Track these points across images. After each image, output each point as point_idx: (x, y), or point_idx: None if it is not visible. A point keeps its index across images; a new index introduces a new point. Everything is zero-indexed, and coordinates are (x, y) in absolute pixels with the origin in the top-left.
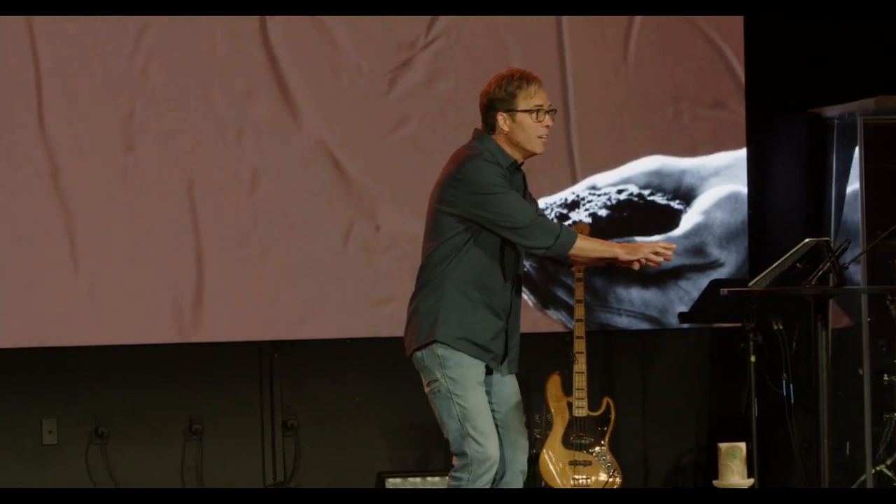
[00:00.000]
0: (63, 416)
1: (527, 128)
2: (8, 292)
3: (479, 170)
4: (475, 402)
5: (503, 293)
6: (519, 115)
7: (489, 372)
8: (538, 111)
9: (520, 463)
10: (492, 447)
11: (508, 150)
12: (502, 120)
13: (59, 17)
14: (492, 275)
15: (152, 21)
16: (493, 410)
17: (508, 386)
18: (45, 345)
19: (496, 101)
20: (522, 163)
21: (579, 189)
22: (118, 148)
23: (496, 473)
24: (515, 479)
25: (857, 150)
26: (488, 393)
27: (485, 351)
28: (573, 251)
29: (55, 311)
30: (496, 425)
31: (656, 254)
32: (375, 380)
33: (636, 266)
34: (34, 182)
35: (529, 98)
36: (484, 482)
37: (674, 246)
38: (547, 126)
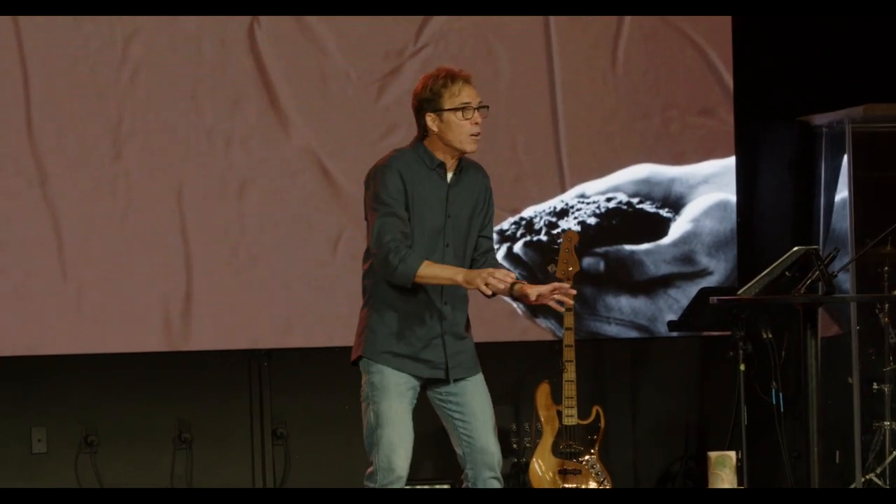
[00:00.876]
0: (52, 425)
1: (454, 127)
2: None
3: (373, 180)
4: (389, 410)
5: (431, 300)
6: (446, 115)
7: (440, 383)
8: (464, 108)
9: (489, 469)
10: (398, 460)
11: (440, 151)
12: (431, 121)
13: (47, 24)
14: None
15: (140, 29)
16: (455, 420)
17: (472, 393)
18: (33, 353)
19: (423, 102)
20: (459, 163)
21: (568, 197)
22: (107, 156)
23: (468, 480)
24: (486, 486)
25: (845, 158)
26: (450, 402)
27: (415, 361)
28: (418, 280)
29: (44, 320)
30: (462, 434)
31: (487, 284)
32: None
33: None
34: (22, 190)
35: (454, 96)
36: None
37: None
38: (476, 123)
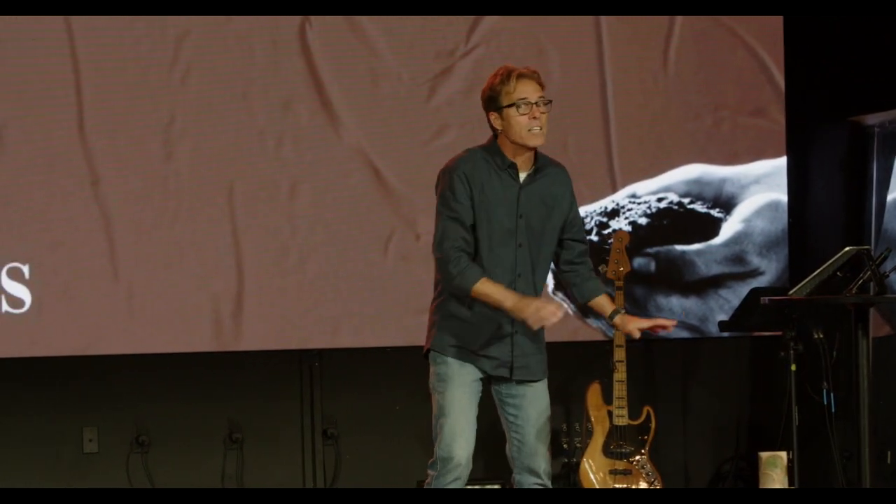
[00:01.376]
0: (104, 425)
1: (513, 123)
2: (49, 301)
3: (441, 181)
4: (453, 399)
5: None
6: (505, 112)
7: (504, 381)
8: (520, 104)
9: (535, 475)
10: (457, 449)
11: (510, 150)
12: (494, 119)
13: (99, 26)
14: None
15: (192, 29)
16: (510, 421)
17: (531, 398)
18: (85, 353)
19: (487, 102)
20: (535, 164)
21: (619, 197)
22: (158, 156)
23: (515, 483)
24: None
25: None
26: (509, 403)
27: (479, 357)
28: (473, 295)
29: (95, 320)
30: (514, 437)
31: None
32: (414, 388)
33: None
34: (74, 190)
35: (511, 93)
36: (446, 482)
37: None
38: (534, 118)
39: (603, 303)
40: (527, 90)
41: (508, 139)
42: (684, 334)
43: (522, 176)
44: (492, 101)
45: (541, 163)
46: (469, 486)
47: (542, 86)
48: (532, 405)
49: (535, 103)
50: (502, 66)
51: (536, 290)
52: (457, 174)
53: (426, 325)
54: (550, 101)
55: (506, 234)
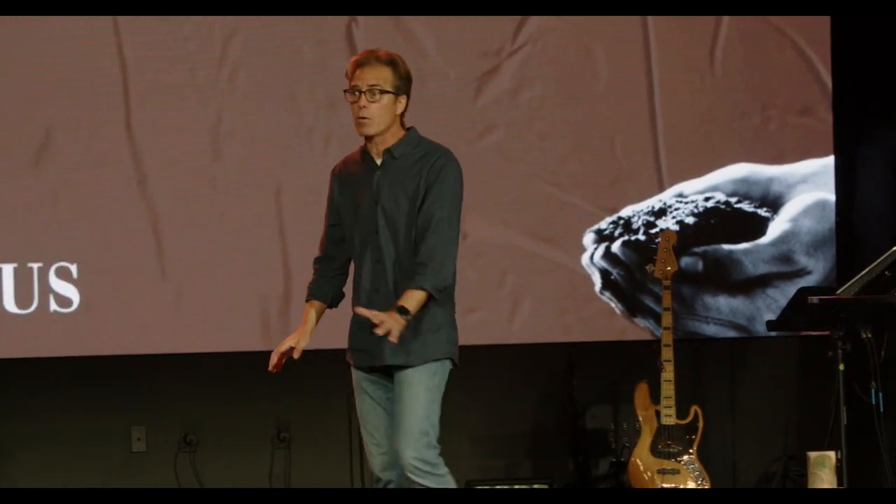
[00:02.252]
0: (152, 424)
1: (351, 111)
2: (97, 300)
3: None
4: (358, 412)
5: (362, 284)
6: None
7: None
8: (349, 92)
9: (401, 460)
10: (371, 458)
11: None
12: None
13: (146, 26)
14: (355, 275)
15: (239, 29)
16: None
17: (403, 379)
18: (133, 352)
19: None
20: (391, 148)
21: (666, 197)
22: (205, 156)
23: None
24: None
25: None
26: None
27: (356, 352)
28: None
29: (143, 319)
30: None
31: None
32: (463, 388)
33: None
34: (122, 190)
35: (347, 79)
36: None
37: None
38: (360, 106)
39: None
40: (359, 77)
41: None
42: (732, 334)
43: (379, 161)
44: None
45: (401, 147)
46: (517, 486)
47: (392, 67)
48: (398, 399)
49: (364, 92)
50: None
51: (394, 278)
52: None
53: (473, 323)
54: (386, 91)
55: (367, 218)
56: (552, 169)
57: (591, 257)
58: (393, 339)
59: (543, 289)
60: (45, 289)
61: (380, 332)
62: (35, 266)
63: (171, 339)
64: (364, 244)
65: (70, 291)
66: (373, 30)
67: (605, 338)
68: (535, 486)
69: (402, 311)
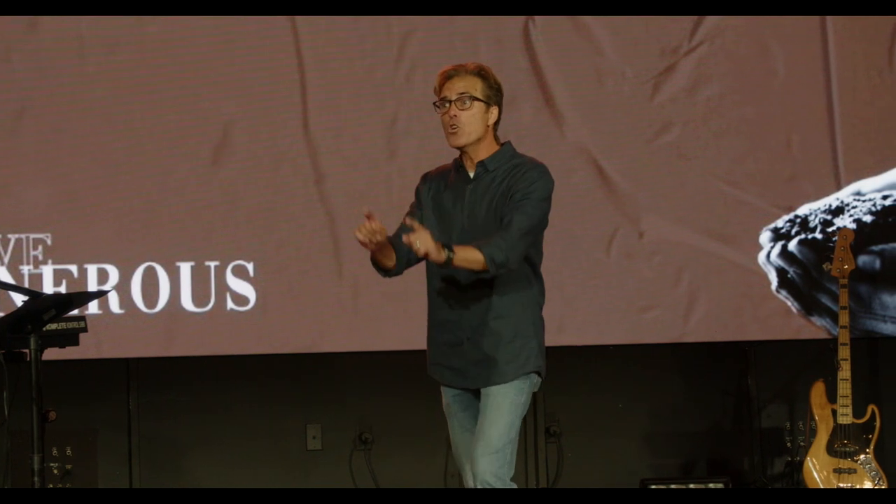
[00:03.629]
0: (327, 422)
1: (442, 124)
2: (273, 299)
3: None
4: (450, 432)
5: (448, 306)
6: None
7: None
8: (438, 104)
9: (476, 466)
10: (463, 480)
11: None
12: None
13: (323, 25)
14: (430, 292)
15: (417, 28)
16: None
17: (490, 398)
18: (309, 351)
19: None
20: (484, 161)
21: (844, 195)
22: (381, 154)
23: None
24: None
25: None
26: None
27: (446, 370)
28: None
29: (320, 318)
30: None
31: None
32: (637, 387)
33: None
34: (299, 189)
35: (436, 93)
36: None
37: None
38: (450, 115)
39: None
40: (448, 88)
41: None
42: None
43: (472, 174)
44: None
45: (495, 157)
46: (692, 486)
47: (481, 77)
48: (482, 415)
49: (453, 101)
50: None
51: (493, 283)
52: (421, 180)
53: (648, 322)
54: (476, 98)
55: (459, 230)
56: (728, 167)
57: (768, 256)
58: (416, 249)
59: (719, 287)
60: (223, 287)
61: (412, 237)
62: (212, 265)
63: (347, 338)
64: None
65: (247, 290)
66: (550, 29)
67: (781, 336)
68: (711, 486)
69: (449, 248)
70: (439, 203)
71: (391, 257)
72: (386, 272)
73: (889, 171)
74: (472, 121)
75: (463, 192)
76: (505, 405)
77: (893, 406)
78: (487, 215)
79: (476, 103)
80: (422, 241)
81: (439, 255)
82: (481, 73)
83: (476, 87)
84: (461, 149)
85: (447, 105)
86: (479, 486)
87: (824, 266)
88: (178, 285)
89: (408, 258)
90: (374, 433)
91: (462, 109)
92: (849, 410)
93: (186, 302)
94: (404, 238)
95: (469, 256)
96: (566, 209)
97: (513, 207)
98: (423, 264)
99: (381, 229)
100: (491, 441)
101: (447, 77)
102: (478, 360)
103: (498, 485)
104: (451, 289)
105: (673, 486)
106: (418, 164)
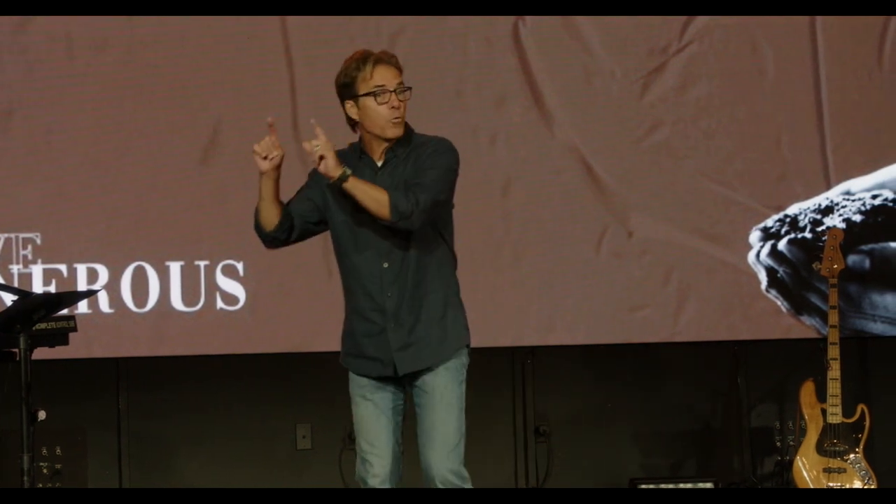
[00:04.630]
0: (317, 422)
1: (371, 113)
2: (263, 298)
3: None
4: (356, 418)
5: (368, 293)
6: (361, 101)
7: (403, 381)
8: (378, 92)
9: (435, 467)
10: (367, 468)
11: (367, 140)
12: (349, 108)
13: (313, 25)
14: (347, 276)
15: (406, 27)
16: (419, 416)
17: (428, 386)
18: (300, 350)
19: (342, 89)
20: (393, 146)
21: (833, 195)
22: None
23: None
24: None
25: None
26: (416, 398)
27: (364, 360)
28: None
29: (309, 317)
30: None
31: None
32: (627, 386)
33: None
34: (289, 188)
35: (367, 80)
36: None
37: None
38: (394, 107)
39: None
40: (385, 76)
41: (365, 129)
42: None
43: (380, 163)
44: (346, 89)
45: (402, 144)
46: (681, 485)
47: (400, 70)
48: (427, 409)
49: (394, 90)
50: (357, 50)
51: (415, 265)
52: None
53: (638, 321)
54: (410, 88)
55: (369, 220)
56: (718, 167)
57: (758, 255)
58: (313, 152)
59: (709, 287)
60: (212, 286)
61: (312, 143)
62: (202, 264)
63: (337, 338)
64: (364, 244)
65: (236, 289)
66: (539, 29)
67: (770, 336)
68: (700, 486)
69: (347, 169)
70: (343, 195)
71: (275, 214)
72: (268, 233)
73: (879, 171)
74: (405, 111)
75: (372, 180)
76: (453, 400)
77: (883, 405)
78: None
79: (409, 92)
80: (323, 147)
81: (336, 168)
82: (398, 63)
83: (400, 76)
84: (385, 141)
85: (389, 94)
86: (440, 487)
87: (814, 265)
88: (168, 285)
89: (301, 229)
90: None
91: (403, 101)
92: (838, 410)
93: (176, 301)
94: (304, 145)
95: (369, 189)
96: (555, 209)
97: (418, 175)
98: (331, 258)
99: (277, 145)
100: (448, 439)
101: (376, 62)
102: (404, 344)
103: (460, 483)
104: (367, 275)
105: (663, 486)
106: None
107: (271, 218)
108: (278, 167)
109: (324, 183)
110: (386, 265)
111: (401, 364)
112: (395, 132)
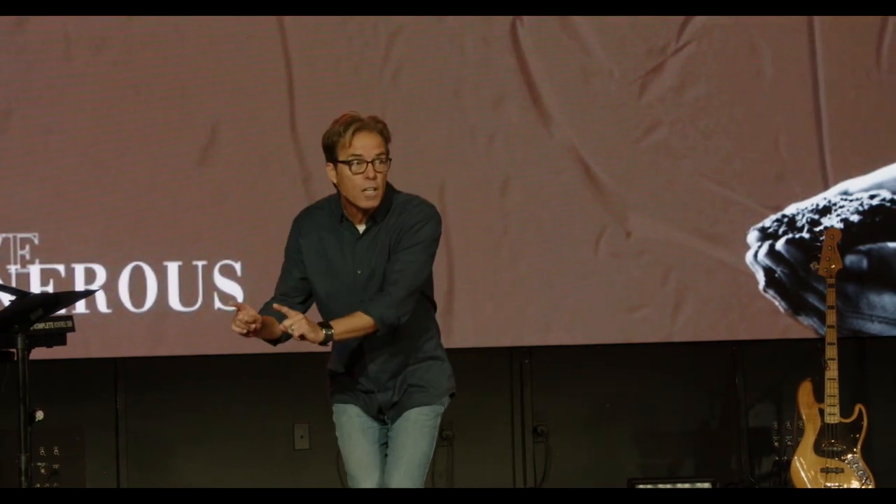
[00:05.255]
0: (315, 421)
1: (346, 181)
2: (261, 298)
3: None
4: (343, 436)
5: (350, 359)
6: (339, 167)
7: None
8: (354, 162)
9: (396, 485)
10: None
11: (346, 204)
12: (329, 170)
13: (311, 25)
14: (333, 346)
15: (403, 27)
16: (391, 436)
17: (410, 419)
18: (298, 350)
19: (325, 151)
20: (375, 212)
21: (831, 195)
22: None
23: None
24: None
25: None
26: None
27: (359, 394)
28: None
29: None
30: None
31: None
32: (625, 386)
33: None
34: (287, 188)
35: (346, 147)
36: None
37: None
38: (368, 178)
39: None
40: (364, 145)
41: (342, 194)
42: None
43: (362, 228)
44: (328, 151)
45: (383, 210)
46: (679, 485)
47: (386, 138)
48: (396, 440)
49: (371, 162)
50: (344, 114)
51: (398, 332)
52: (294, 226)
53: (637, 321)
54: (390, 159)
55: (348, 291)
56: (716, 167)
57: (755, 255)
58: (292, 333)
59: (707, 287)
60: (210, 286)
61: (285, 323)
62: (200, 264)
63: None
64: (347, 307)
65: (234, 289)
66: (537, 28)
67: (768, 336)
68: (698, 485)
69: (327, 326)
70: (323, 255)
71: (275, 329)
72: (276, 342)
73: (876, 171)
74: (384, 181)
75: (352, 248)
76: (427, 427)
77: (881, 405)
78: (379, 270)
79: (388, 164)
80: (297, 326)
81: (317, 335)
82: (384, 131)
83: (384, 144)
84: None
85: (364, 165)
86: None
87: (812, 265)
88: (166, 285)
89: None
90: None
91: (379, 172)
92: (836, 410)
93: (174, 301)
94: (280, 326)
95: (352, 326)
96: (554, 209)
97: (399, 258)
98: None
99: (254, 318)
100: (414, 460)
101: (357, 130)
102: (391, 403)
103: None
104: (350, 345)
105: (660, 486)
106: (405, 162)
107: (276, 335)
108: (264, 324)
109: (300, 258)
110: (368, 340)
111: (390, 417)
112: (368, 204)
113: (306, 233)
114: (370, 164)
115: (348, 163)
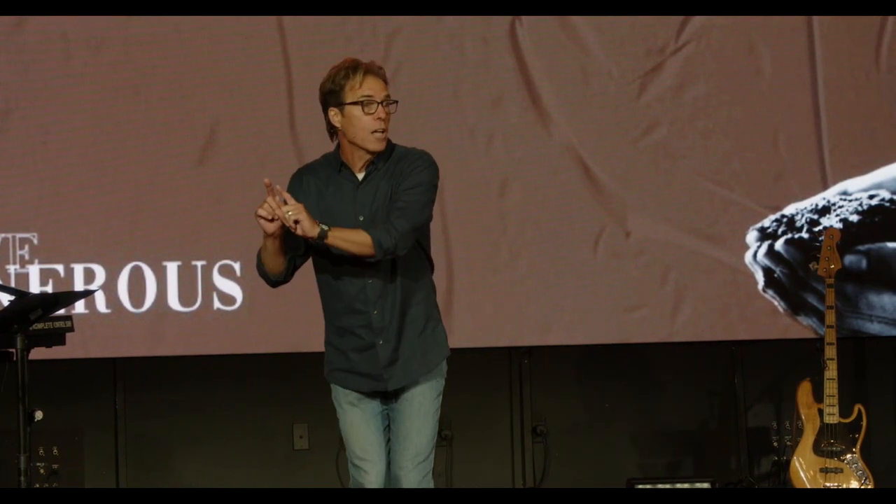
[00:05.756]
0: (314, 422)
1: (355, 122)
2: (260, 298)
3: None
4: (345, 426)
5: (353, 310)
6: (347, 109)
7: (388, 395)
8: (366, 102)
9: (405, 478)
10: (363, 475)
11: (348, 150)
12: (333, 115)
13: (310, 25)
14: (329, 293)
15: (403, 27)
16: (394, 421)
17: (407, 394)
18: (297, 350)
19: (327, 96)
20: (375, 159)
21: (830, 195)
22: None
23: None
24: None
25: None
26: (394, 403)
27: (356, 375)
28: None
29: (306, 317)
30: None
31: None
32: (624, 386)
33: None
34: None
35: (355, 89)
36: None
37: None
38: (380, 118)
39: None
40: (374, 87)
41: (347, 138)
42: None
43: (361, 175)
44: (332, 96)
45: (383, 157)
46: (678, 485)
47: (387, 83)
48: (403, 422)
49: (381, 102)
50: (347, 58)
51: (398, 279)
52: (292, 179)
53: (635, 321)
54: (396, 102)
55: None
56: (715, 167)
57: (755, 255)
58: (287, 219)
59: (706, 287)
60: (209, 287)
61: (284, 208)
62: (199, 264)
63: None
64: (346, 262)
65: (233, 289)
66: (536, 28)
67: (767, 336)
68: (698, 485)
69: (324, 226)
70: (325, 210)
71: (281, 263)
72: (274, 278)
73: (875, 171)
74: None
75: (353, 195)
76: (431, 410)
77: (880, 405)
78: (380, 216)
79: (394, 106)
80: (294, 212)
81: (313, 228)
82: (386, 77)
83: (388, 88)
84: (367, 152)
85: (376, 106)
86: None
87: (811, 265)
88: (165, 285)
89: (294, 262)
90: None
91: (389, 114)
92: (835, 410)
93: (173, 301)
94: (276, 212)
95: (349, 236)
96: (553, 209)
97: (400, 197)
98: (311, 271)
99: (282, 206)
100: (421, 449)
101: (366, 72)
102: (393, 360)
103: None
104: (352, 293)
105: (660, 486)
106: None
107: (278, 267)
108: (283, 226)
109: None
110: (370, 281)
111: (391, 380)
112: (377, 146)
113: (306, 185)
114: (380, 105)
115: (359, 103)
